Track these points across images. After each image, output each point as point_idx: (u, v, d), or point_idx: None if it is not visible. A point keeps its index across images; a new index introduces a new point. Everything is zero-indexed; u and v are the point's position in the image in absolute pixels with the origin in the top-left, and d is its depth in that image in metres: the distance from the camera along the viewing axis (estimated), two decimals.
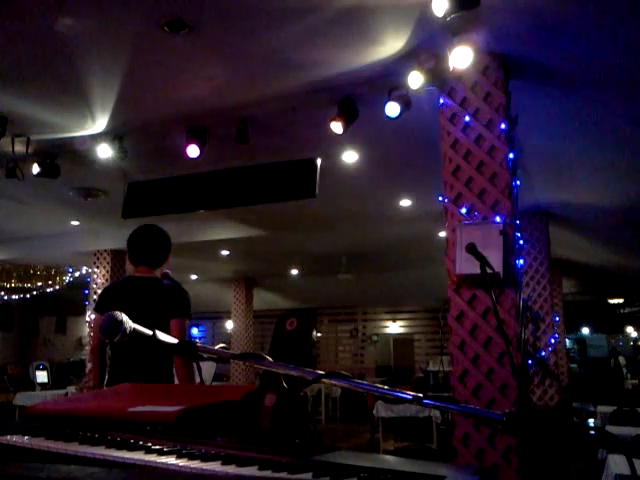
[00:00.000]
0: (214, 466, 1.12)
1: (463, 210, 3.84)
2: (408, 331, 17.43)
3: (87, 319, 10.12)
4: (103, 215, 8.31)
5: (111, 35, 3.88)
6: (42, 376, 10.18)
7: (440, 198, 4.01)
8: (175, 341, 1.44)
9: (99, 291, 9.44)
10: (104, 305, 3.04)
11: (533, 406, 7.10)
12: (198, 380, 3.01)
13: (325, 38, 3.90)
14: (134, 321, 1.37)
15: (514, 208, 3.76)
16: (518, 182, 4.00)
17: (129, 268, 3.33)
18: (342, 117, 4.60)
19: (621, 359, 15.24)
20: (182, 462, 1.14)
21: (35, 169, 5.77)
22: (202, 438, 1.31)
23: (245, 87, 4.61)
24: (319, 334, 17.86)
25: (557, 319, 9.38)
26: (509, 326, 3.54)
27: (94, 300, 9.53)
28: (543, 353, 7.78)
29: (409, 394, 1.12)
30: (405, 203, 7.87)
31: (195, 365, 2.90)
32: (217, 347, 1.51)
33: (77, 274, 13.12)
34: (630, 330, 17.46)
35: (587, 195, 7.48)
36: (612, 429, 5.06)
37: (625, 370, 14.99)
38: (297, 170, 5.33)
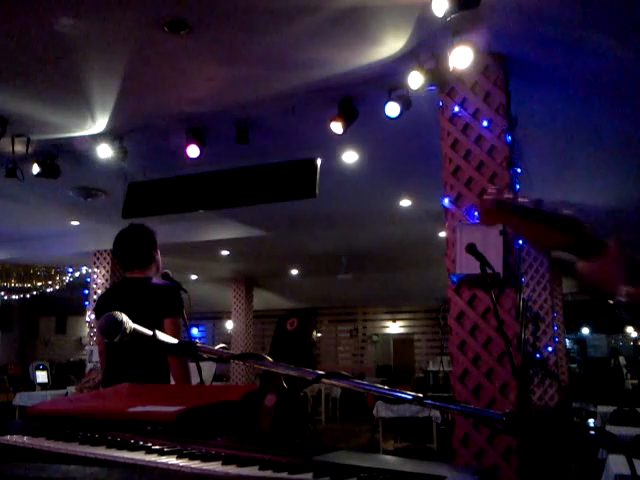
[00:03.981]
0: (215, 466, 1.12)
1: (463, 210, 3.85)
2: (408, 331, 17.43)
3: (87, 319, 10.12)
4: (103, 215, 8.30)
5: (111, 35, 3.88)
6: (42, 376, 10.19)
7: (440, 198, 4.01)
8: (175, 341, 1.43)
9: (99, 291, 9.45)
10: (101, 310, 3.05)
11: (533, 406, 7.09)
12: (198, 380, 3.02)
13: (325, 38, 3.90)
14: None
15: None
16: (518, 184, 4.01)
17: None
18: (342, 117, 4.61)
19: (621, 359, 15.21)
20: (183, 462, 1.14)
21: (35, 169, 5.77)
22: (202, 438, 1.30)
23: (245, 87, 4.61)
24: (319, 334, 17.86)
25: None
26: (509, 326, 3.54)
27: (94, 300, 9.53)
28: (543, 353, 7.79)
29: (409, 394, 1.12)
30: (405, 203, 7.87)
31: (189, 366, 2.90)
32: (217, 347, 1.51)
33: (77, 274, 13.12)
34: (630, 330, 17.44)
35: (587, 195, 7.48)
36: (612, 429, 5.06)
37: (625, 370, 14.95)
38: (297, 170, 5.34)
